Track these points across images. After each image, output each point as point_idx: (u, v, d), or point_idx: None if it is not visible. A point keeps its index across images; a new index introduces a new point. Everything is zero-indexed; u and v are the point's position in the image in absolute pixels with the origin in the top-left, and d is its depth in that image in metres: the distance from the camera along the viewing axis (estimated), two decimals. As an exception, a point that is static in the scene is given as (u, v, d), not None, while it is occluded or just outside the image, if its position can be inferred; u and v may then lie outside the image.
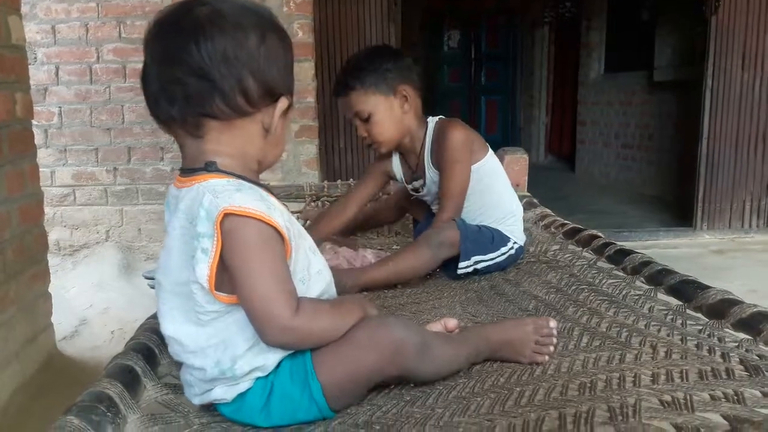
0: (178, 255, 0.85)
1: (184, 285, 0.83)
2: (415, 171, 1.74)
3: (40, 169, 2.27)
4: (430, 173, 1.68)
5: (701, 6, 3.90)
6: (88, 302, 2.80)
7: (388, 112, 1.62)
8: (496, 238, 1.64)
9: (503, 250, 1.65)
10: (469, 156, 1.64)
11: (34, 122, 2.22)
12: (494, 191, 1.70)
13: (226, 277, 0.81)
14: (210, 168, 0.84)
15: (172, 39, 0.83)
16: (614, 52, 6.12)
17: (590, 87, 6.39)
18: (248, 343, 0.84)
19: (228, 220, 0.79)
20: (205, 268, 0.80)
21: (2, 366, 1.87)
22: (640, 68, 5.44)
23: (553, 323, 1.06)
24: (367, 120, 1.62)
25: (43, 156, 3.35)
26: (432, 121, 1.70)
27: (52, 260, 2.51)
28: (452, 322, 1.11)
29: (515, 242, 1.67)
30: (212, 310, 0.84)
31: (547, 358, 1.03)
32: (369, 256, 1.71)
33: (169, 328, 0.88)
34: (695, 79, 4.16)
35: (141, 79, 0.86)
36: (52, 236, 3.40)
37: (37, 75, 3.36)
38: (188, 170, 0.86)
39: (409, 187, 1.79)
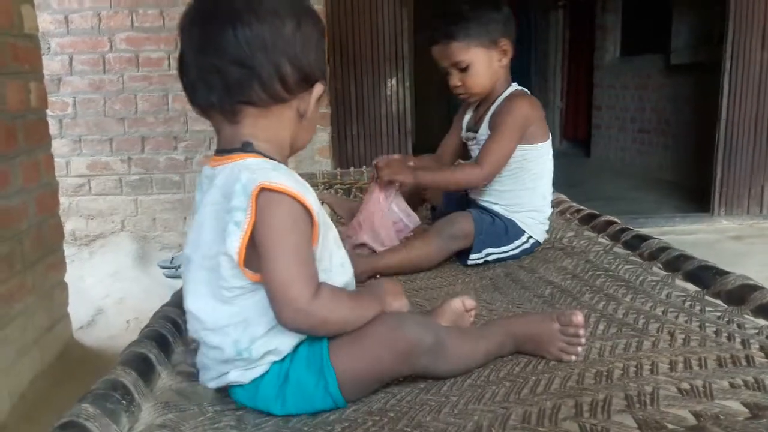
0: (209, 230, 0.85)
1: (214, 258, 0.84)
2: (477, 122, 1.72)
3: (55, 160, 2.28)
4: (484, 134, 1.66)
5: (719, -14, 3.82)
6: (104, 292, 2.83)
7: (487, 64, 1.61)
8: (510, 231, 1.62)
9: (516, 243, 1.63)
10: (520, 133, 1.60)
11: (48, 112, 2.22)
12: (531, 181, 1.65)
13: (255, 255, 0.81)
14: (247, 148, 0.85)
15: (210, 26, 0.83)
16: (630, 34, 6.02)
17: (606, 71, 6.30)
18: (268, 325, 0.85)
19: (264, 195, 0.79)
20: (236, 241, 0.80)
21: (21, 354, 1.89)
22: (656, 51, 5.36)
23: (579, 318, 0.99)
24: (464, 70, 1.60)
25: (58, 146, 3.37)
26: (514, 86, 1.67)
27: (68, 250, 2.54)
28: (470, 302, 1.10)
29: (530, 237, 1.65)
30: (237, 286, 0.84)
31: (574, 358, 0.98)
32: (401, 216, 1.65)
33: (192, 302, 0.88)
34: (713, 61, 4.08)
35: (178, 66, 0.87)
36: (68, 226, 3.42)
37: (51, 65, 3.38)
38: (224, 150, 0.87)
39: (463, 135, 1.78)
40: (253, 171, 0.81)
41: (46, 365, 2.03)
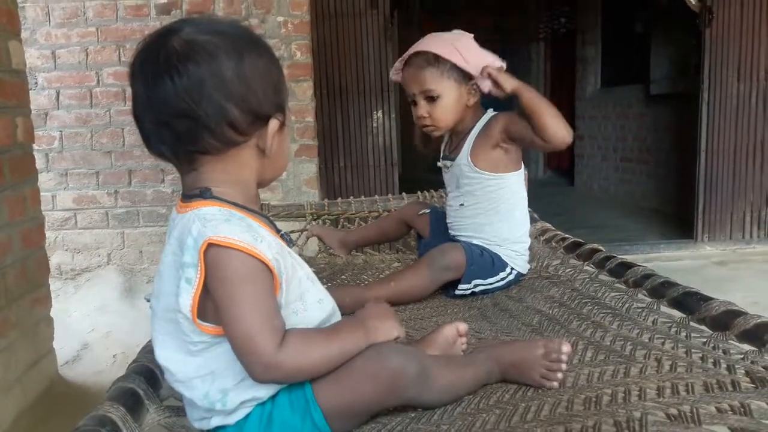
0: (168, 281, 0.84)
1: (174, 312, 0.82)
2: (453, 151, 1.72)
3: (42, 193, 2.27)
4: (464, 160, 1.66)
5: (695, 19, 3.92)
6: (90, 326, 2.79)
7: (456, 99, 1.61)
8: (496, 263, 1.64)
9: (502, 275, 1.64)
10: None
11: (35, 146, 2.22)
12: (508, 211, 1.67)
13: (212, 307, 0.80)
14: (205, 195, 0.84)
15: (150, 78, 0.81)
16: (610, 66, 6.15)
17: (587, 101, 6.42)
18: (239, 377, 0.83)
19: (211, 251, 0.78)
20: (188, 299, 0.79)
21: (4, 391, 1.86)
22: (636, 82, 5.47)
23: (566, 348, 1.00)
24: (432, 100, 1.60)
25: (45, 180, 3.36)
26: (490, 112, 1.68)
27: (54, 284, 2.51)
28: (463, 326, 1.10)
29: (513, 269, 1.66)
30: (199, 341, 0.83)
31: (555, 384, 0.98)
32: None
33: (161, 354, 0.87)
34: (691, 91, 4.18)
35: (132, 115, 0.86)
36: (54, 260, 3.39)
37: (38, 99, 3.38)
38: (187, 196, 0.86)
39: (440, 163, 1.78)
40: (204, 224, 0.79)
41: (30, 402, 1.99)
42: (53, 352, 2.23)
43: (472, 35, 1.67)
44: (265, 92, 0.85)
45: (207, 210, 0.82)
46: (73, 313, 2.93)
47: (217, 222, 0.79)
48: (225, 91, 0.81)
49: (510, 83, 1.56)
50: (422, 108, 1.63)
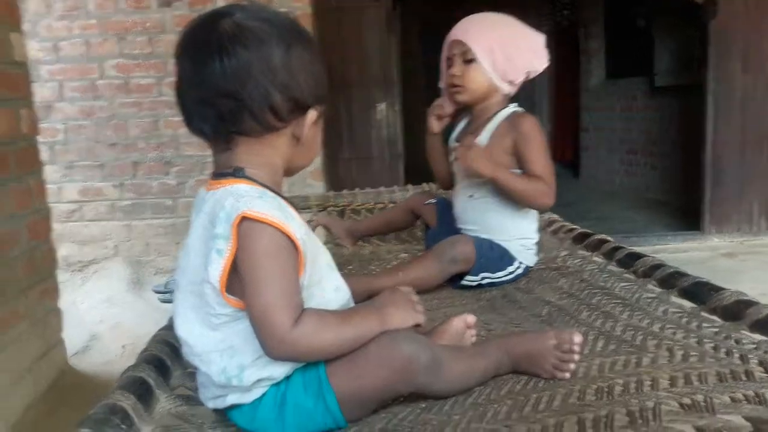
0: (196, 255, 0.85)
1: (200, 285, 0.83)
2: (472, 134, 1.68)
3: (47, 186, 2.27)
4: (484, 140, 1.64)
5: (698, 11, 3.90)
6: (98, 317, 2.80)
7: (492, 70, 1.61)
8: (505, 257, 1.62)
9: (510, 269, 1.63)
10: (547, 150, 1.61)
11: (39, 139, 2.22)
12: (519, 208, 1.64)
13: (239, 282, 0.81)
14: (238, 173, 0.85)
15: (198, 59, 0.83)
16: (614, 58, 6.12)
17: (592, 93, 6.39)
18: (255, 354, 0.84)
19: (245, 224, 0.79)
20: (217, 269, 0.80)
21: (14, 382, 1.86)
22: (640, 74, 5.44)
23: (577, 338, 1.00)
24: (468, 63, 1.60)
25: (50, 172, 3.35)
26: (512, 106, 1.67)
27: (62, 276, 2.51)
28: (472, 318, 1.10)
29: (521, 263, 1.65)
30: (223, 313, 0.83)
31: (567, 375, 0.98)
32: None
33: (181, 328, 0.88)
34: (696, 83, 4.16)
35: (175, 93, 0.87)
36: (61, 252, 3.38)
37: (42, 92, 3.37)
38: (218, 174, 0.87)
39: (452, 144, 1.75)
40: (237, 198, 0.81)
41: (40, 393, 2.00)
42: (62, 343, 2.24)
43: (538, 38, 1.65)
44: (307, 83, 0.88)
45: (239, 187, 0.84)
46: (81, 305, 2.94)
47: (251, 198, 0.81)
48: (270, 76, 0.83)
49: (483, 169, 1.54)
50: (457, 66, 1.62)
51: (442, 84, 1.72)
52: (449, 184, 1.86)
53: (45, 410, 1.93)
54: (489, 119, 1.65)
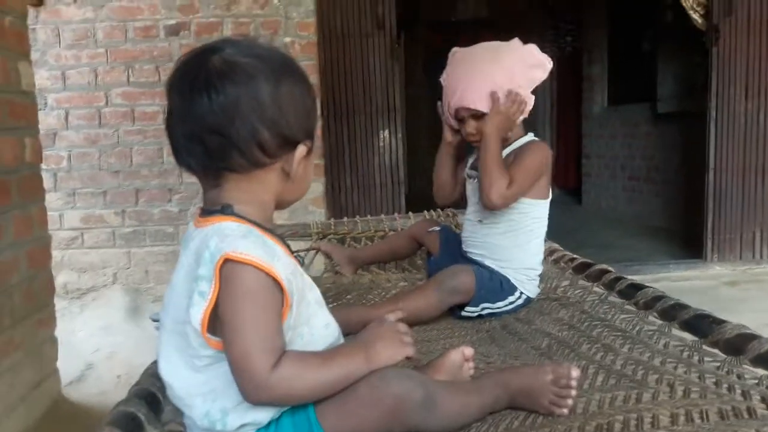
0: (180, 294, 0.84)
1: (183, 325, 0.82)
2: None
3: (49, 213, 2.27)
4: None
5: (701, 37, 3.92)
6: (94, 346, 2.78)
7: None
8: (505, 287, 1.62)
9: (510, 299, 1.62)
10: (534, 178, 1.61)
11: (43, 166, 2.23)
12: (526, 238, 1.65)
13: (221, 323, 0.80)
14: (226, 211, 0.84)
15: (187, 92, 0.83)
16: (617, 84, 6.15)
17: (594, 120, 6.41)
18: (239, 397, 0.82)
19: (227, 266, 0.78)
20: (199, 312, 0.79)
21: (7, 412, 1.84)
22: (643, 100, 5.46)
23: (575, 372, 0.98)
24: (479, 118, 1.61)
25: (52, 200, 3.36)
26: (531, 135, 1.69)
27: (60, 303, 2.50)
28: (469, 350, 1.08)
29: (522, 293, 1.64)
30: (205, 355, 0.82)
31: (565, 411, 0.96)
32: None
33: (165, 369, 0.87)
34: (699, 110, 4.16)
35: (165, 126, 0.87)
36: (60, 279, 3.39)
37: (48, 120, 3.40)
38: (207, 211, 0.87)
39: (467, 172, 1.78)
40: (222, 239, 0.80)
41: (34, 422, 1.97)
42: (57, 373, 2.21)
43: (527, 50, 1.66)
44: (296, 118, 0.87)
45: (226, 225, 0.83)
46: (78, 333, 2.92)
47: (235, 237, 0.80)
48: (258, 113, 0.83)
49: (491, 125, 1.56)
50: (470, 126, 1.64)
51: (441, 112, 1.73)
52: (447, 198, 1.86)
53: (38, 441, 1.91)
54: (504, 149, 1.66)
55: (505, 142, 1.66)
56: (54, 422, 2.04)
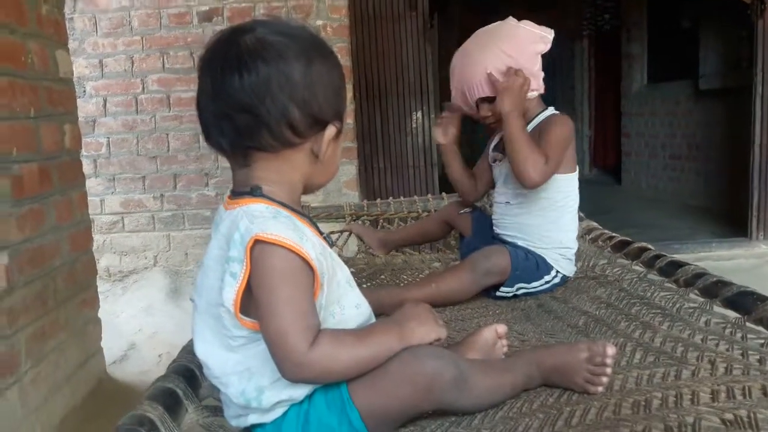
0: (213, 276, 0.85)
1: (216, 307, 0.83)
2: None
3: (90, 198, 2.32)
4: None
5: (746, 9, 3.77)
6: (137, 327, 2.85)
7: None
8: (541, 266, 1.59)
9: (546, 278, 1.59)
10: (563, 151, 1.57)
11: (83, 153, 2.28)
12: (557, 214, 1.62)
13: (254, 303, 0.80)
14: (255, 192, 0.85)
15: (219, 73, 0.83)
16: (657, 61, 5.98)
17: (633, 98, 6.25)
18: (273, 376, 0.83)
19: (258, 247, 0.79)
20: (231, 293, 0.80)
21: (54, 391, 1.91)
22: (684, 77, 5.30)
23: (610, 350, 0.96)
24: (491, 101, 1.59)
25: (93, 185, 3.45)
26: (551, 110, 1.66)
27: (102, 286, 2.57)
28: (502, 328, 1.07)
29: (558, 272, 1.61)
30: (240, 336, 0.83)
31: (600, 389, 0.95)
32: None
33: (200, 349, 0.88)
34: (743, 85, 4.02)
35: (196, 106, 0.88)
36: (102, 263, 3.48)
37: (86, 107, 3.48)
38: (236, 193, 0.87)
39: (491, 155, 1.76)
40: (252, 220, 0.80)
41: (79, 401, 2.04)
42: (101, 352, 2.28)
43: (519, 27, 1.63)
44: (326, 98, 0.86)
45: (255, 207, 0.83)
46: (120, 314, 3.00)
47: (265, 219, 0.81)
48: (289, 92, 0.83)
49: (503, 104, 1.54)
50: (484, 110, 1.62)
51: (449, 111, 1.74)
52: (472, 193, 1.84)
53: (82, 419, 1.97)
54: (528, 123, 1.63)
55: (526, 118, 1.63)
56: (99, 400, 2.10)
